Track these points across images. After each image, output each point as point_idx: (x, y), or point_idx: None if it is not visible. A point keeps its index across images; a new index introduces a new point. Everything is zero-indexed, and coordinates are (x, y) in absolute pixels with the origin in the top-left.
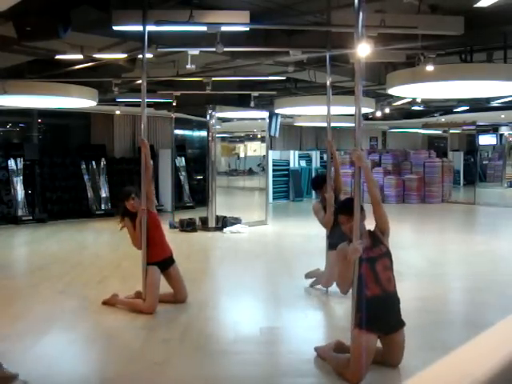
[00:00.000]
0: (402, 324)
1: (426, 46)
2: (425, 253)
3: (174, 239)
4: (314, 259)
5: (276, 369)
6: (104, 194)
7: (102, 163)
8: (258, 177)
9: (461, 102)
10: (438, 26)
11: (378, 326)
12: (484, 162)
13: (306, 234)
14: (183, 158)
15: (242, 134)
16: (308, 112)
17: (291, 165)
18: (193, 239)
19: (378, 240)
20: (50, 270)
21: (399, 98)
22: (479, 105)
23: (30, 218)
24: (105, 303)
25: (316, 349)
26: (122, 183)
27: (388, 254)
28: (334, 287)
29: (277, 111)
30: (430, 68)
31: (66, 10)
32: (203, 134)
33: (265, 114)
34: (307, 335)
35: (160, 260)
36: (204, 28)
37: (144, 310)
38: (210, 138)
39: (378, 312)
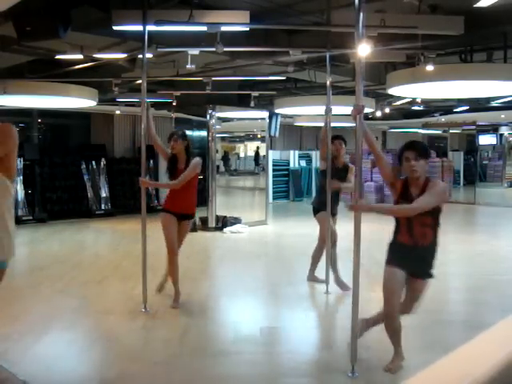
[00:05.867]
0: (427, 275)
1: (426, 45)
2: None
3: None
4: None
5: (276, 369)
6: (104, 193)
7: (102, 163)
8: (258, 176)
9: (461, 101)
10: (437, 26)
11: (402, 264)
12: (484, 162)
13: (306, 234)
14: None
15: (242, 134)
16: (308, 112)
17: (291, 165)
18: (193, 239)
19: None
20: (50, 269)
21: (399, 98)
22: (479, 105)
23: (30, 217)
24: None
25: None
26: (122, 183)
27: (431, 213)
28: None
29: (277, 111)
30: (430, 68)
31: (66, 10)
32: (203, 133)
33: (265, 114)
34: (307, 335)
35: (175, 211)
36: (204, 28)
37: (169, 252)
38: (209, 138)
39: (405, 256)
